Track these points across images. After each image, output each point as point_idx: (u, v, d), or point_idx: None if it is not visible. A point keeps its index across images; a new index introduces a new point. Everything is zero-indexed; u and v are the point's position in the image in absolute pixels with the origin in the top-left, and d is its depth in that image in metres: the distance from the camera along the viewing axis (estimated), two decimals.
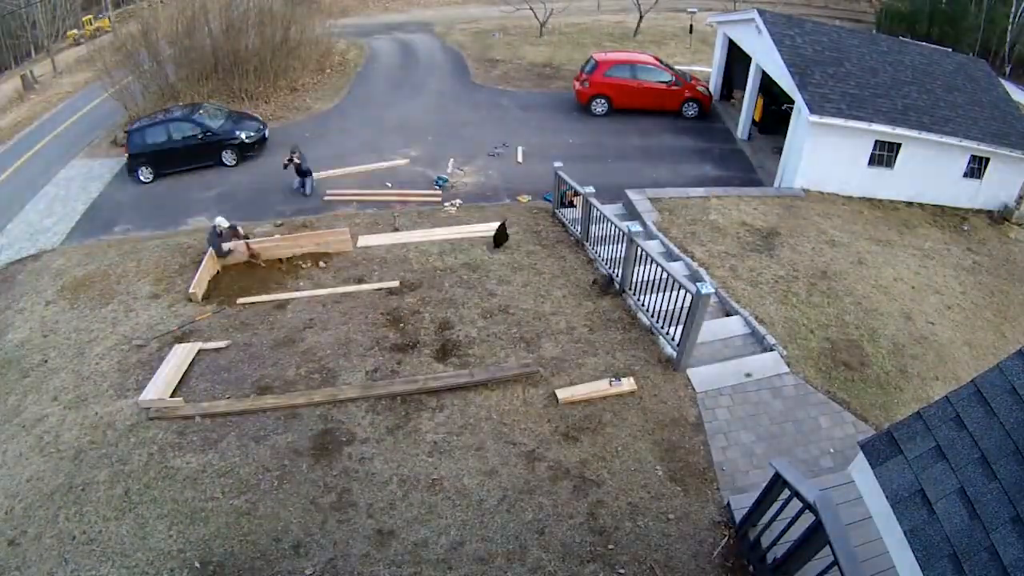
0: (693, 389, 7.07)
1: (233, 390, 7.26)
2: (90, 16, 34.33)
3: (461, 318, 8.27)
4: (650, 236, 10.26)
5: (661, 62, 17.15)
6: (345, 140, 15.61)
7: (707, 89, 16.82)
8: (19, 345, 8.48)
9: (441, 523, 5.71)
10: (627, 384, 7.03)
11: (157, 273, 9.89)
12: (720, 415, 6.80)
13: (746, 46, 15.21)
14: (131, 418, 6.96)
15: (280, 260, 10.05)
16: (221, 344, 7.98)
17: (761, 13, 13.83)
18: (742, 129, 15.50)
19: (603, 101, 16.60)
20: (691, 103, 16.48)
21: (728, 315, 8.44)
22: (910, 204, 12.72)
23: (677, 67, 19.15)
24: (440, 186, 12.86)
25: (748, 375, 7.25)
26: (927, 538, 3.33)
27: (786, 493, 4.77)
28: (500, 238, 8.54)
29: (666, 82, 16.40)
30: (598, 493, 5.96)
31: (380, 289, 9.01)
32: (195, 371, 7.59)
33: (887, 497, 3.59)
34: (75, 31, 32.66)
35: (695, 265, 9.36)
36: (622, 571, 5.33)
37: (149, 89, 18.26)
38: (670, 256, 9.69)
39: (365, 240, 10.46)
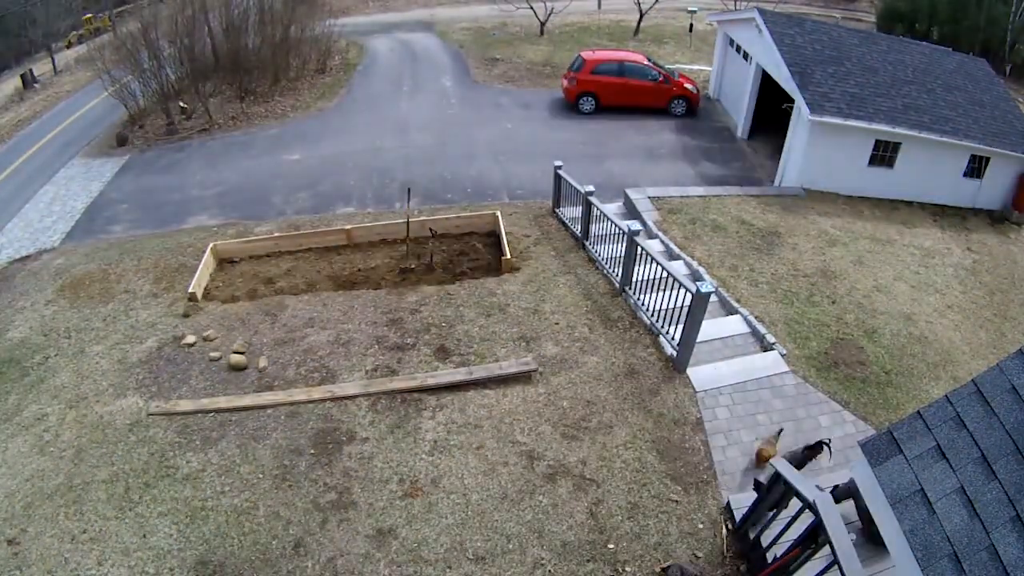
0: (693, 388, 7.07)
1: (233, 388, 7.27)
2: (90, 15, 34.34)
3: (461, 317, 8.27)
4: (650, 235, 10.26)
5: (649, 60, 17.16)
6: (345, 139, 15.61)
7: (695, 87, 16.82)
8: (19, 344, 8.48)
9: (441, 522, 5.71)
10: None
11: (157, 272, 9.90)
12: (720, 414, 6.80)
13: (746, 45, 15.20)
14: (131, 417, 6.96)
15: None
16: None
17: (761, 12, 13.83)
18: (742, 128, 15.50)
19: (590, 99, 16.64)
20: (679, 100, 16.52)
21: (728, 314, 8.44)
22: (910, 204, 12.72)
23: (677, 65, 19.17)
24: None
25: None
26: (927, 538, 3.33)
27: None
28: None
29: (653, 80, 16.42)
30: (598, 493, 5.96)
31: None
32: (195, 369, 7.59)
33: (887, 497, 3.59)
34: (75, 32, 32.65)
35: (695, 264, 9.36)
36: (622, 571, 5.34)
37: (149, 88, 18.26)
38: (670, 255, 9.69)
39: None
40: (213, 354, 7.79)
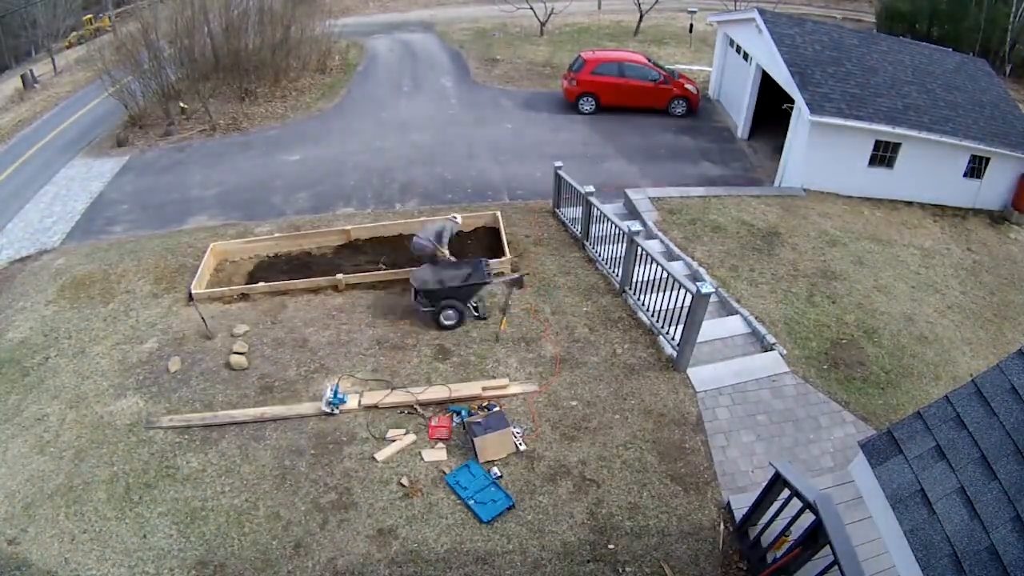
0: (693, 389, 7.08)
1: (233, 390, 7.27)
2: (90, 16, 34.37)
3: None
4: (650, 235, 10.26)
5: (649, 60, 17.16)
6: (345, 140, 15.62)
7: (695, 87, 16.82)
8: (19, 344, 8.48)
9: (441, 523, 5.71)
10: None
11: (157, 272, 9.90)
12: (720, 415, 6.81)
13: (746, 46, 15.20)
14: (131, 417, 6.97)
15: None
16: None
17: (761, 12, 13.82)
18: (742, 129, 15.50)
19: (590, 99, 16.63)
20: (679, 101, 16.51)
21: (728, 315, 8.45)
22: (910, 204, 12.72)
23: (677, 66, 19.15)
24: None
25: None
26: (927, 538, 3.33)
27: (786, 493, 4.77)
28: None
29: (653, 80, 16.42)
30: (598, 493, 5.96)
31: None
32: (195, 370, 7.59)
33: (887, 497, 3.59)
34: (75, 33, 32.66)
35: (695, 264, 9.36)
36: (622, 571, 5.34)
37: (149, 88, 18.28)
38: (670, 256, 9.69)
39: None
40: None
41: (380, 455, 6.32)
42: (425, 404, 6.90)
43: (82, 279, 9.91)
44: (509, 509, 5.77)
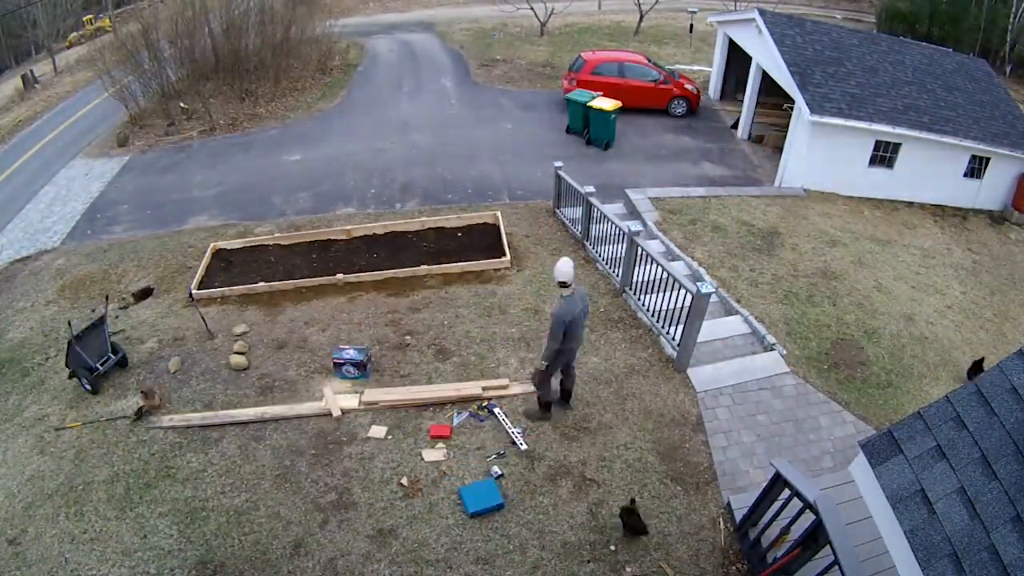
0: (693, 389, 7.08)
1: (233, 390, 7.27)
2: (91, 16, 34.40)
3: (461, 318, 8.27)
4: (650, 236, 10.26)
5: (649, 60, 17.15)
6: (346, 140, 15.62)
7: (695, 87, 16.82)
8: (20, 344, 8.49)
9: (441, 523, 5.71)
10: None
11: (157, 273, 9.91)
12: (720, 415, 6.81)
13: (746, 46, 15.21)
14: (131, 417, 6.96)
15: None
16: None
17: (762, 13, 13.82)
18: (742, 129, 15.50)
19: None
20: (679, 101, 16.50)
21: (728, 315, 8.45)
22: (910, 204, 12.73)
23: (677, 66, 19.13)
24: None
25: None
26: (927, 538, 3.34)
27: (786, 493, 4.77)
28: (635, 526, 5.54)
29: (653, 80, 16.42)
30: (598, 493, 5.96)
31: None
32: (196, 370, 7.59)
33: (887, 497, 3.59)
34: (76, 33, 32.69)
35: (695, 265, 9.36)
36: (623, 572, 5.33)
37: (150, 88, 18.28)
38: (670, 256, 9.69)
39: None
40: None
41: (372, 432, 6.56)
42: (425, 404, 6.91)
43: (82, 279, 9.92)
44: (498, 508, 5.76)
